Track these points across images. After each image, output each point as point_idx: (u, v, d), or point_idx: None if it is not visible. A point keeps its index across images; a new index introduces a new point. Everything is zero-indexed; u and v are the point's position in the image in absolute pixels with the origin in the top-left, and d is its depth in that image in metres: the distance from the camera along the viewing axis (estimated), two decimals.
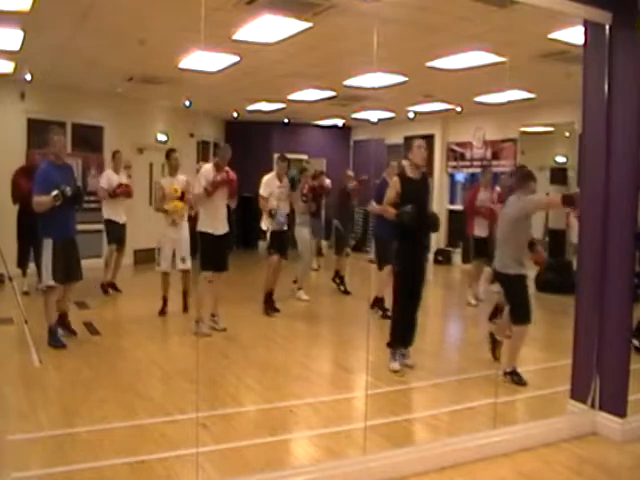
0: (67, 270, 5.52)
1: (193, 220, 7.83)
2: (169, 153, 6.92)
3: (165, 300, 6.85)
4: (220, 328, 6.21)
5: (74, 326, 5.97)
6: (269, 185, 7.11)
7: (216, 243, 6.09)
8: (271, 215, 7.00)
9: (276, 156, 7.83)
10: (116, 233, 8.00)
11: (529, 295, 4.99)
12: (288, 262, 7.44)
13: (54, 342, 5.46)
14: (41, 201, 5.28)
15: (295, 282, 8.05)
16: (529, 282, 5.10)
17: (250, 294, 7.94)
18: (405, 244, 5.10)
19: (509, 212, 4.93)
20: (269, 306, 7.14)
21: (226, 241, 6.29)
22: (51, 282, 5.45)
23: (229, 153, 6.21)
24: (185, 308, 6.91)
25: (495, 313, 6.15)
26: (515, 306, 4.96)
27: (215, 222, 6.07)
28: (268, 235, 7.19)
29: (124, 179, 8.18)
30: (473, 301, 7.72)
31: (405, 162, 5.41)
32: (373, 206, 6.69)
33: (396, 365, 5.11)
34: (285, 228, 7.29)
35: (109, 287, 8.02)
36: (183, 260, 6.74)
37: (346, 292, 8.58)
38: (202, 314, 6.13)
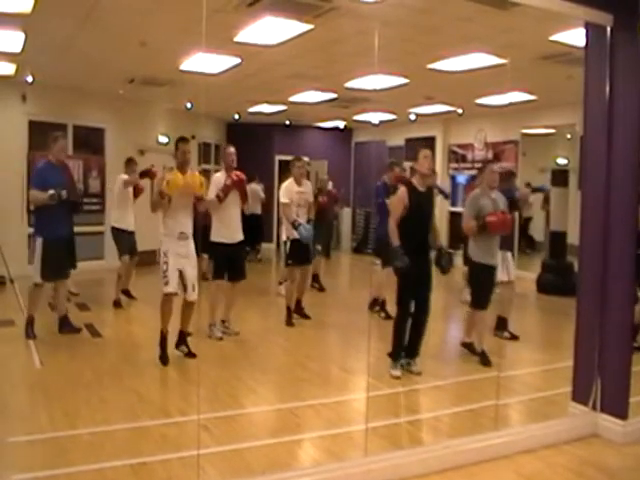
0: (58, 269, 5.69)
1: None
2: (178, 143, 5.35)
3: (165, 336, 5.31)
4: (233, 332, 6.17)
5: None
6: (289, 190, 6.73)
7: (231, 253, 5.95)
8: (294, 227, 6.56)
9: (289, 158, 7.44)
10: (128, 242, 7.58)
11: (489, 285, 5.48)
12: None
13: (28, 334, 5.62)
14: (37, 196, 5.51)
15: (281, 283, 7.97)
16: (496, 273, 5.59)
17: (250, 297, 7.93)
18: (408, 256, 4.93)
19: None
20: (290, 318, 6.81)
21: (241, 249, 6.14)
22: (38, 280, 5.63)
23: (231, 152, 6.04)
24: (188, 352, 5.43)
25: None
26: (473, 291, 5.58)
27: (229, 231, 5.95)
28: (288, 245, 6.81)
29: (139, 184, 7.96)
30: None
31: (408, 164, 5.39)
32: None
33: (397, 372, 5.02)
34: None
35: (124, 294, 7.66)
36: (193, 288, 5.29)
37: (321, 289, 8.77)
38: (215, 318, 6.11)
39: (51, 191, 5.45)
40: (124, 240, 7.48)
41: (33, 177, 5.63)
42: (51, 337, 5.80)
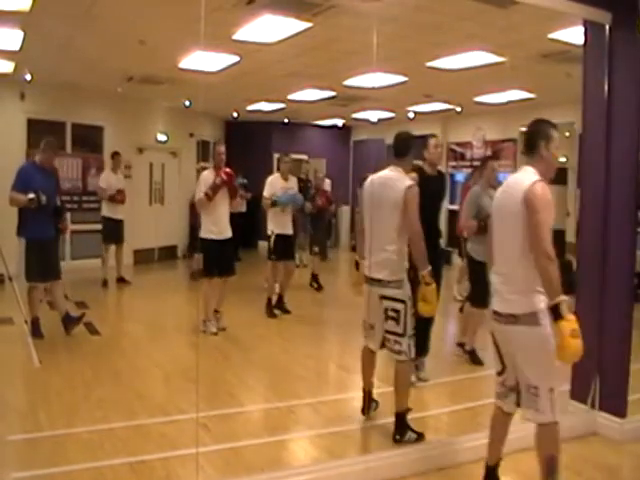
0: (43, 270, 5.62)
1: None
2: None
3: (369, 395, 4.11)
4: (220, 327, 6.21)
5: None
6: (272, 185, 6.92)
7: (220, 249, 6.01)
8: (273, 203, 6.79)
9: (278, 155, 7.72)
10: (112, 230, 8.35)
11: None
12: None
13: (34, 333, 5.55)
14: (16, 198, 5.42)
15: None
16: None
17: (250, 295, 7.93)
18: None
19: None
20: (270, 309, 7.01)
21: (230, 246, 6.23)
22: (25, 281, 5.62)
23: (221, 151, 6.11)
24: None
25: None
26: (473, 289, 5.51)
27: (217, 227, 6.00)
28: (272, 239, 6.93)
29: (122, 180, 8.55)
30: (459, 297, 7.66)
31: (420, 162, 5.24)
32: None
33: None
34: (290, 232, 7.09)
35: (119, 281, 8.52)
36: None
37: (319, 288, 8.76)
38: (208, 314, 6.14)
39: (31, 195, 5.33)
40: (108, 228, 8.37)
41: (15, 178, 5.50)
42: (50, 336, 5.79)
